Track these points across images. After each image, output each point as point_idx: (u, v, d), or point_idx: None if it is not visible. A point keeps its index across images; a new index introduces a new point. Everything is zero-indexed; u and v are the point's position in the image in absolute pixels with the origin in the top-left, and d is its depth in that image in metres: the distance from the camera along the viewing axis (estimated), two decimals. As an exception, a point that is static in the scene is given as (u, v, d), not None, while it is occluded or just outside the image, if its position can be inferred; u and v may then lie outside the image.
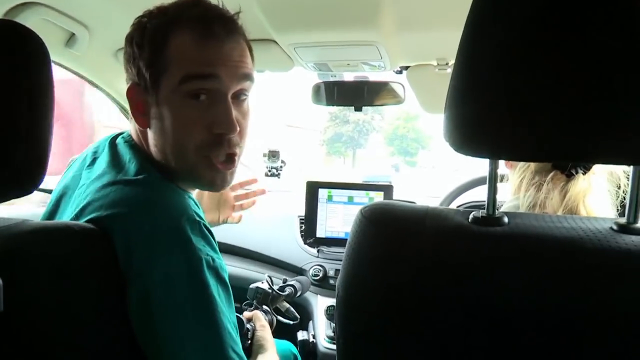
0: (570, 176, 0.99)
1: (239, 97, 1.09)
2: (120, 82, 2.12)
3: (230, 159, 1.09)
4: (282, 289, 1.83)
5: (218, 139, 1.05)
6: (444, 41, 1.63)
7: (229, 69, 1.04)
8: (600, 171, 1.00)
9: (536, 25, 0.58)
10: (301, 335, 2.10)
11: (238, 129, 1.06)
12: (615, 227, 0.66)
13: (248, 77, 1.08)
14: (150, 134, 1.07)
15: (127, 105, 2.19)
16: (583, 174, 0.98)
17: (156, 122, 1.05)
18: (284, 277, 1.99)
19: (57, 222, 0.93)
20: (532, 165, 1.03)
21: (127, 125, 1.17)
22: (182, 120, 1.03)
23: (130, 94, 1.08)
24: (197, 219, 0.97)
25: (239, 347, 0.97)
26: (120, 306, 0.90)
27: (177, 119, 1.02)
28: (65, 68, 1.88)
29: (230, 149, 1.08)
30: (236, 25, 1.07)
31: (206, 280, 0.93)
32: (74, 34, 1.66)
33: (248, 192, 1.71)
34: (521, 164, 1.03)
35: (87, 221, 0.94)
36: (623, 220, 0.67)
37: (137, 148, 1.10)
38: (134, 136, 1.13)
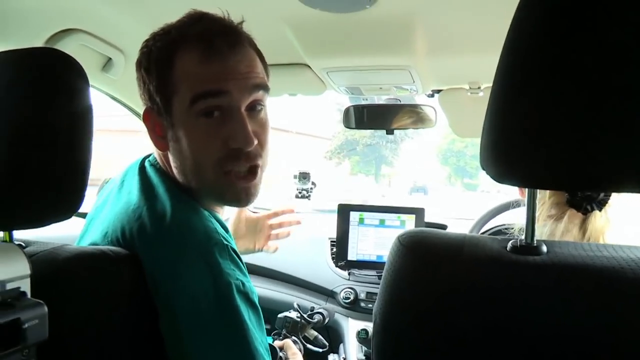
0: (586, 213, 0.97)
1: (254, 108, 1.06)
2: (154, 106, 2.15)
3: (252, 171, 1.07)
4: (310, 316, 1.83)
5: (236, 153, 1.03)
6: (476, 65, 1.63)
7: (238, 83, 1.01)
8: (617, 203, 0.98)
9: (573, 54, 0.58)
10: (332, 358, 2.09)
11: (255, 141, 1.03)
12: None
13: (260, 87, 1.05)
14: (170, 156, 1.07)
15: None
16: (599, 210, 0.96)
17: (173, 144, 1.04)
18: (312, 304, 2.00)
19: (93, 247, 0.94)
20: (549, 200, 1.01)
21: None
22: (197, 139, 1.02)
23: (146, 118, 1.08)
24: (225, 242, 0.96)
25: None
26: (155, 329, 0.91)
27: (192, 138, 1.02)
28: (102, 92, 1.91)
29: (251, 162, 1.06)
30: (240, 37, 1.05)
31: (236, 305, 0.92)
32: (110, 59, 1.69)
33: (283, 221, 1.69)
34: (538, 196, 1.02)
35: (117, 246, 0.95)
36: None
37: (163, 172, 1.09)
38: (158, 159, 1.13)
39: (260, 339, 0.96)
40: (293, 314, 1.77)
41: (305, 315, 1.78)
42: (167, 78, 1.01)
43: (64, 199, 0.76)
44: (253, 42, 1.10)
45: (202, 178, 1.04)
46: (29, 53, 0.78)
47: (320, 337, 1.87)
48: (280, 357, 1.45)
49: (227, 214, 1.18)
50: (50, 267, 0.80)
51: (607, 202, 0.95)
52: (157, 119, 1.06)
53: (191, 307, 0.89)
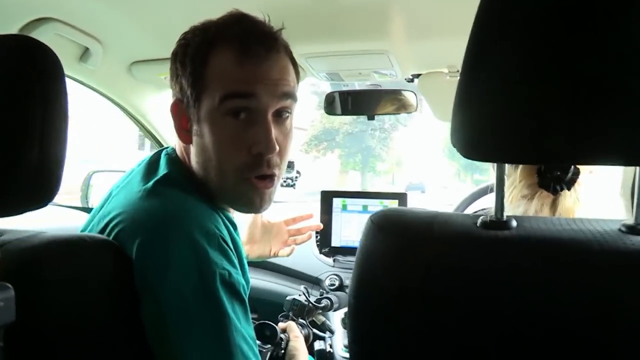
0: (556, 193, 0.97)
1: (280, 115, 1.08)
2: (134, 96, 2.15)
3: (270, 178, 1.08)
4: (318, 301, 1.84)
5: (257, 158, 1.04)
6: (454, 49, 1.62)
7: (268, 88, 1.03)
8: (586, 181, 0.98)
9: (538, 30, 0.59)
10: (318, 345, 2.09)
11: (277, 148, 1.04)
12: (623, 229, 0.66)
13: (288, 95, 1.07)
14: (192, 150, 1.09)
15: (142, 119, 2.23)
16: (568, 189, 0.97)
17: (197, 139, 1.06)
18: (321, 290, 2.01)
19: (70, 234, 0.94)
20: (519, 184, 1.02)
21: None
22: (222, 139, 1.03)
23: (174, 110, 1.10)
24: (216, 232, 0.96)
25: None
26: (134, 318, 0.91)
27: (217, 137, 1.03)
28: (80, 82, 1.90)
29: (270, 170, 1.07)
30: (276, 43, 1.07)
31: (219, 295, 0.92)
32: (87, 49, 1.68)
33: (302, 227, 1.72)
34: (511, 178, 1.02)
35: (109, 234, 0.96)
36: (630, 221, 0.66)
37: (176, 161, 1.11)
38: (178, 151, 1.14)
39: (244, 331, 0.96)
40: (301, 297, 1.78)
41: (312, 300, 1.79)
42: (201, 74, 1.03)
43: (39, 188, 0.75)
44: (289, 49, 1.12)
45: (222, 179, 1.06)
46: (1, 40, 0.77)
47: (328, 322, 1.89)
48: (281, 337, 1.46)
49: (241, 218, 1.19)
50: (21, 254, 0.79)
51: (575, 181, 0.96)
52: (184, 112, 1.08)
53: (175, 294, 0.90)
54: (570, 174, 0.94)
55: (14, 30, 1.42)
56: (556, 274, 0.64)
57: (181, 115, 1.09)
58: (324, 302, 1.87)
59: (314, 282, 2.30)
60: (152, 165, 1.10)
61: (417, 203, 2.31)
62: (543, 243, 0.66)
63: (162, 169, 1.07)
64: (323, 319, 1.89)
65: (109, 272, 0.90)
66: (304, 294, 1.79)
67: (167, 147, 1.17)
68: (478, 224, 0.71)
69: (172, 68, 1.09)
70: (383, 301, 0.72)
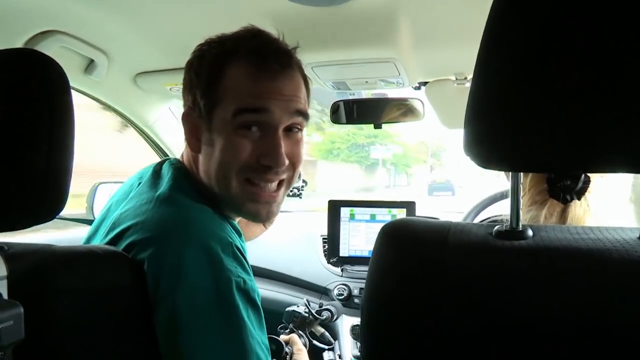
0: (566, 202, 0.96)
1: (291, 129, 1.09)
2: (139, 107, 2.15)
3: (277, 187, 1.10)
4: (319, 313, 1.83)
5: (265, 168, 1.06)
6: (462, 56, 1.63)
7: (281, 104, 1.04)
8: (596, 190, 0.97)
9: (552, 36, 0.58)
10: (327, 355, 2.08)
11: (286, 162, 1.06)
12: None
13: (300, 113, 1.08)
14: (200, 158, 1.10)
15: (147, 130, 2.23)
16: (578, 199, 0.96)
17: (206, 147, 1.07)
18: (321, 301, 2.00)
19: (81, 246, 0.93)
20: (529, 192, 1.01)
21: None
22: (231, 146, 1.04)
23: (185, 118, 1.11)
24: (230, 240, 0.97)
25: None
26: (145, 330, 0.90)
27: (227, 145, 1.04)
28: (85, 94, 1.91)
29: (277, 177, 1.08)
30: (292, 60, 1.09)
31: (235, 301, 0.92)
32: (93, 61, 1.68)
33: None
34: (521, 185, 1.01)
35: (120, 245, 0.96)
36: None
37: (182, 171, 1.11)
38: (185, 161, 1.16)
39: (259, 338, 0.96)
40: (301, 309, 1.77)
41: (313, 311, 1.78)
42: (215, 86, 1.05)
43: (46, 200, 0.75)
44: (302, 68, 1.14)
45: (226, 184, 1.06)
46: (7, 54, 0.77)
47: (326, 333, 1.88)
48: (287, 351, 1.46)
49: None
50: (33, 267, 0.79)
51: (586, 190, 0.94)
52: (196, 121, 1.09)
53: (190, 300, 0.89)
54: (580, 183, 0.93)
55: (20, 42, 1.43)
56: (574, 281, 0.62)
57: (192, 124, 1.09)
58: (325, 314, 1.86)
59: (322, 292, 2.29)
60: (157, 175, 1.11)
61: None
62: (561, 252, 0.65)
63: (169, 179, 1.07)
64: (322, 330, 1.88)
65: (120, 283, 0.90)
66: (306, 306, 1.78)
67: (170, 158, 1.18)
68: (493, 234, 0.70)
69: (186, 78, 1.11)
70: (397, 310, 0.71)
